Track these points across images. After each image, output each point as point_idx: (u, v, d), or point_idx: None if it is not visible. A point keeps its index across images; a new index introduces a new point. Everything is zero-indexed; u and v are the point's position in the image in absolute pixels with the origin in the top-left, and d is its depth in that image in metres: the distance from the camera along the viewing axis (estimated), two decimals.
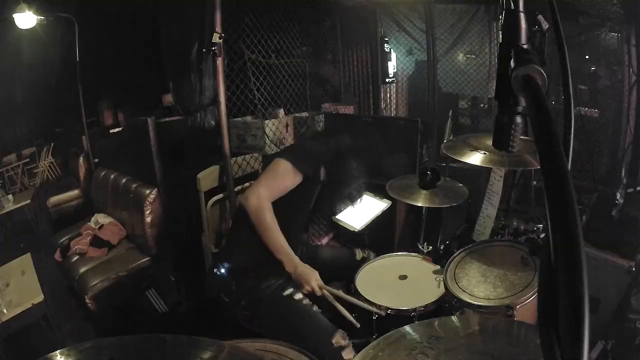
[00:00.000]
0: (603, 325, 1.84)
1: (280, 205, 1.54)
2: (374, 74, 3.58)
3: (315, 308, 1.52)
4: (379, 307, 1.54)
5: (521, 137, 0.61)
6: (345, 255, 1.95)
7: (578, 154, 3.09)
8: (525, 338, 0.91)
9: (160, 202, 2.53)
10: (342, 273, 1.83)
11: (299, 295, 1.52)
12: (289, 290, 1.53)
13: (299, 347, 1.10)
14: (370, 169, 1.81)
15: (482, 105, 3.57)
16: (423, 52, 3.59)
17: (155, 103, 3.18)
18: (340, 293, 1.55)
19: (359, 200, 1.88)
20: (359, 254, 1.91)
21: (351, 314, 1.50)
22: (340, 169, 1.70)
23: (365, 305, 1.53)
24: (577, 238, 0.29)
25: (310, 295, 1.54)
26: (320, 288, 1.54)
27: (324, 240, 3.31)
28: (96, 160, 3.19)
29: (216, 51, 2.05)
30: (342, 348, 1.40)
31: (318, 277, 1.56)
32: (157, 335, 0.76)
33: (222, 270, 1.54)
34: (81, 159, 3.24)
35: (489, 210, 2.04)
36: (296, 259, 1.55)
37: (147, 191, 2.50)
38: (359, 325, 1.46)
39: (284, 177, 1.51)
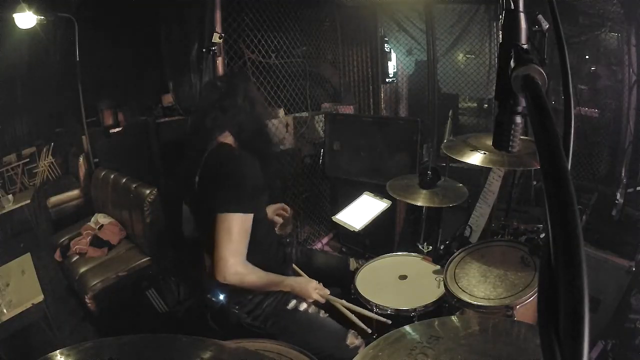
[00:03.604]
0: (603, 325, 1.84)
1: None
2: (374, 74, 3.58)
3: (322, 314, 1.51)
4: (382, 309, 1.55)
5: (521, 137, 0.61)
6: (339, 263, 1.92)
7: (578, 154, 3.09)
8: (525, 338, 0.91)
9: (160, 202, 2.52)
10: (335, 280, 1.79)
11: (303, 306, 1.50)
12: (292, 303, 1.50)
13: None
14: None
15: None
16: (423, 52, 3.59)
17: (155, 103, 3.18)
18: (344, 302, 1.54)
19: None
20: (353, 263, 1.89)
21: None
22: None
23: (370, 314, 1.51)
24: (577, 238, 0.29)
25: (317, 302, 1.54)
26: (323, 296, 1.53)
27: (324, 240, 3.31)
28: (96, 160, 3.18)
29: (216, 51, 2.05)
30: (357, 347, 1.41)
31: (316, 285, 1.55)
32: (157, 335, 0.76)
33: (220, 296, 1.49)
34: (81, 159, 3.23)
35: (483, 209, 2.04)
36: (288, 278, 1.53)
37: (147, 191, 2.49)
38: (370, 331, 1.45)
39: (240, 230, 1.35)
